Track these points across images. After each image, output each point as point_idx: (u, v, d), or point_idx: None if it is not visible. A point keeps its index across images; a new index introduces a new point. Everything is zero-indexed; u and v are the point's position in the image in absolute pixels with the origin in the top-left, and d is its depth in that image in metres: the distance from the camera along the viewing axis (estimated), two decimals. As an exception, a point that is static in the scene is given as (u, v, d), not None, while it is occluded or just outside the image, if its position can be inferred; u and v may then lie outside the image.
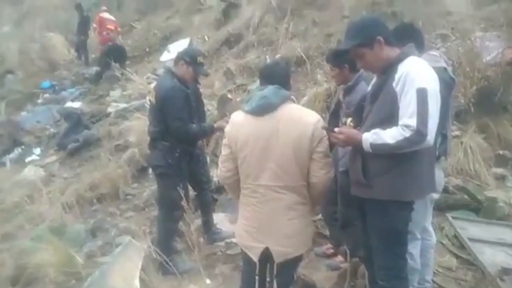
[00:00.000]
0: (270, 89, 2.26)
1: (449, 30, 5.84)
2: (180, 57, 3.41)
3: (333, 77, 3.21)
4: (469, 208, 3.86)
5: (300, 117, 2.24)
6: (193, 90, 3.52)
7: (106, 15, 10.96)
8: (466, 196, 3.93)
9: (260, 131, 2.23)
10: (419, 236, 2.58)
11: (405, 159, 2.05)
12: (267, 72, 2.40)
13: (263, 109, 2.24)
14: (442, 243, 3.42)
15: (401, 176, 2.09)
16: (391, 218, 2.16)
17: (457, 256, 3.32)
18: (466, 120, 4.69)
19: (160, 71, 9.36)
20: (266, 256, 2.29)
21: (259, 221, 2.30)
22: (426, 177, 2.15)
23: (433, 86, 2.01)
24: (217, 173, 2.67)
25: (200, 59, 3.44)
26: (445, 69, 2.46)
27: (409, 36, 2.35)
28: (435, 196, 2.64)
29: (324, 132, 2.23)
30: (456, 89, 4.82)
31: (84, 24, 11.28)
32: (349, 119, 2.42)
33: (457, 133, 4.55)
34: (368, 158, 2.13)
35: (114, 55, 9.56)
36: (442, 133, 2.43)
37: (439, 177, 2.53)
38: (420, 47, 2.39)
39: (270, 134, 2.21)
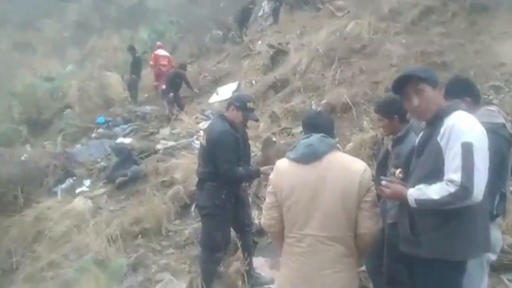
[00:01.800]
0: (316, 137, 2.27)
1: (502, 82, 5.69)
2: (231, 103, 3.54)
3: (382, 127, 3.17)
4: (526, 271, 3.58)
5: (348, 166, 2.22)
6: (242, 133, 3.61)
7: (160, 52, 11.67)
8: (523, 257, 3.66)
9: (307, 180, 2.21)
10: None
11: (455, 216, 1.97)
12: (310, 122, 2.42)
13: (309, 157, 2.23)
14: (497, 307, 3.18)
15: (450, 234, 2.00)
16: (440, 279, 2.04)
17: (514, 323, 3.06)
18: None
19: (208, 112, 9.70)
20: None
21: (305, 272, 2.23)
22: (479, 236, 2.04)
23: (480, 141, 1.94)
24: (262, 221, 2.63)
25: (250, 105, 3.54)
26: (504, 125, 2.39)
27: (463, 91, 2.32)
28: (492, 257, 2.48)
29: (372, 182, 2.20)
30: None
31: (136, 65, 11.96)
32: (398, 170, 2.37)
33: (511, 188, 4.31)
34: (416, 213, 2.07)
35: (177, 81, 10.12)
36: (501, 191, 2.32)
37: (497, 237, 2.41)
38: (476, 102, 2.35)
39: (317, 183, 2.19)
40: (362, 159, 2.56)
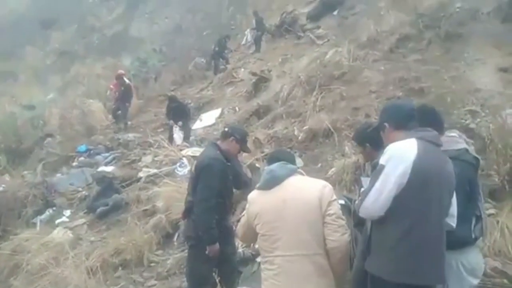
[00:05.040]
0: (276, 164, 2.43)
1: (478, 106, 5.85)
2: (231, 134, 3.52)
3: (360, 154, 3.29)
4: (510, 294, 3.59)
5: (306, 185, 2.35)
6: (233, 163, 3.60)
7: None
8: (506, 281, 3.68)
9: (269, 204, 2.34)
10: None
11: (402, 241, 2.10)
12: (273, 155, 2.64)
13: (270, 183, 2.37)
14: (481, 332, 3.16)
15: (395, 255, 2.14)
16: None
17: None
18: (501, 198, 4.52)
19: (192, 138, 9.68)
20: None
21: None
22: (422, 263, 2.07)
23: (392, 164, 2.11)
24: (239, 236, 2.84)
25: (247, 138, 3.69)
26: (466, 150, 2.48)
27: (426, 119, 2.41)
28: (474, 281, 2.50)
29: (333, 195, 2.30)
30: (487, 166, 4.77)
31: (129, 92, 12.00)
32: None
33: (493, 211, 4.37)
34: (372, 231, 2.27)
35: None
36: (475, 214, 2.37)
37: (477, 261, 2.44)
38: (440, 130, 2.44)
39: (277, 205, 2.30)
40: (345, 184, 2.64)
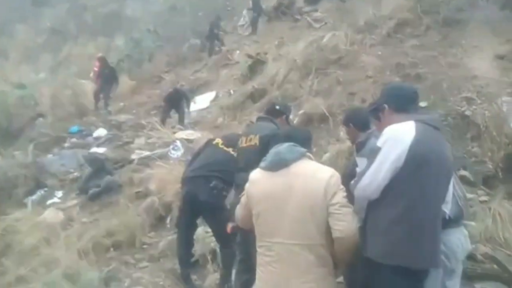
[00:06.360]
0: (284, 146, 2.32)
1: (474, 94, 5.83)
2: (283, 112, 3.50)
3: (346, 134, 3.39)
4: (500, 280, 3.63)
5: (314, 173, 2.24)
6: None
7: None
8: (496, 266, 3.71)
9: (274, 187, 2.24)
10: None
11: (395, 223, 2.09)
12: (285, 134, 2.53)
13: (276, 165, 2.27)
14: (470, 317, 3.20)
15: (390, 238, 2.12)
16: (385, 282, 2.11)
17: (488, 333, 3.09)
18: (494, 185, 4.55)
19: (186, 121, 9.60)
20: None
21: (273, 282, 2.21)
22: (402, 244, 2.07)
23: (388, 146, 2.11)
24: (236, 219, 2.69)
25: None
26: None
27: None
28: (454, 265, 2.50)
29: (340, 185, 2.22)
30: (482, 154, 4.79)
31: (115, 73, 11.95)
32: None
33: (485, 198, 4.40)
34: (368, 214, 2.22)
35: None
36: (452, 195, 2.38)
37: (456, 243, 2.45)
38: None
39: (283, 190, 2.21)
40: (339, 169, 2.59)
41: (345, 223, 2.16)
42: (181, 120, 9.83)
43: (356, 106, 3.77)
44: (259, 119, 3.63)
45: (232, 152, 3.75)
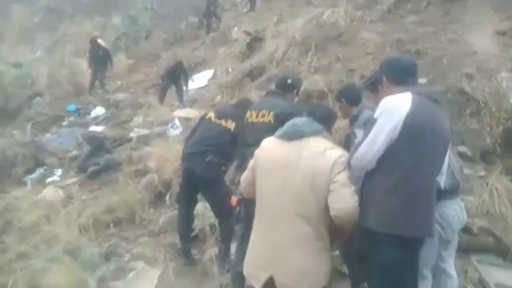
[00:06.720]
0: (302, 119, 2.35)
1: (474, 70, 5.79)
2: (295, 86, 3.43)
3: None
4: (495, 252, 3.68)
5: (324, 150, 2.22)
6: None
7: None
8: (491, 239, 3.77)
9: (282, 156, 2.25)
10: (428, 276, 2.47)
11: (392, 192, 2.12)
12: (309, 108, 2.56)
13: (290, 135, 2.28)
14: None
15: (388, 207, 2.15)
16: (381, 252, 2.16)
17: (482, 303, 3.15)
18: (492, 160, 4.57)
19: (184, 99, 9.54)
20: None
21: (268, 248, 2.22)
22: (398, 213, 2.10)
23: (383, 117, 2.15)
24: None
25: None
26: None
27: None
28: (449, 235, 2.53)
29: (345, 165, 2.20)
30: (480, 129, 4.79)
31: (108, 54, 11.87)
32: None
33: (482, 173, 4.42)
34: (364, 185, 2.28)
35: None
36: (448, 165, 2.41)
37: (452, 214, 2.50)
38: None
39: (290, 160, 2.21)
40: (337, 144, 2.57)
41: (343, 204, 2.14)
42: (179, 97, 9.77)
43: (349, 82, 3.89)
44: (269, 93, 3.52)
45: (224, 124, 3.77)
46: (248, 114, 3.36)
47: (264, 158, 2.32)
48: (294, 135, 2.26)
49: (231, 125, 3.74)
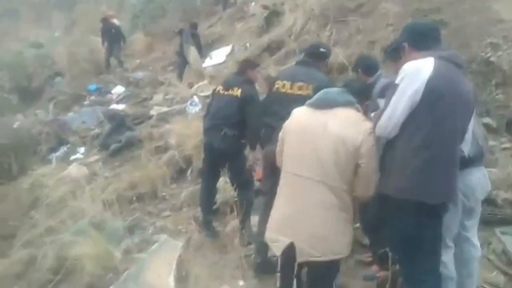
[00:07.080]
0: (336, 89, 2.36)
1: (500, 39, 5.57)
2: (327, 56, 3.35)
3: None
4: (520, 224, 3.63)
5: (355, 122, 2.21)
6: None
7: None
8: (515, 212, 3.70)
9: (311, 122, 2.25)
10: (450, 244, 2.45)
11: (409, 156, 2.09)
12: (345, 82, 2.61)
13: (322, 103, 2.27)
14: (489, 258, 3.24)
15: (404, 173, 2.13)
16: (399, 218, 2.16)
17: (505, 273, 3.12)
18: (519, 132, 4.45)
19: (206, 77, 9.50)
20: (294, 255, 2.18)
21: (290, 212, 2.22)
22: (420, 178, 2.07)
23: (404, 83, 2.10)
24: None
25: None
26: None
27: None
28: (473, 203, 2.50)
29: (374, 148, 2.18)
30: (506, 99, 4.65)
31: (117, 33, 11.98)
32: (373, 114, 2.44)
33: (508, 145, 4.32)
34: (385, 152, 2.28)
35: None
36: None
37: (475, 183, 2.46)
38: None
39: (318, 127, 2.20)
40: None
41: (363, 191, 2.24)
42: (199, 51, 9.96)
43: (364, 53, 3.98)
44: (301, 62, 3.32)
45: (231, 93, 3.77)
46: (279, 84, 3.15)
47: (293, 125, 2.33)
48: (327, 103, 2.25)
49: (237, 92, 3.74)
